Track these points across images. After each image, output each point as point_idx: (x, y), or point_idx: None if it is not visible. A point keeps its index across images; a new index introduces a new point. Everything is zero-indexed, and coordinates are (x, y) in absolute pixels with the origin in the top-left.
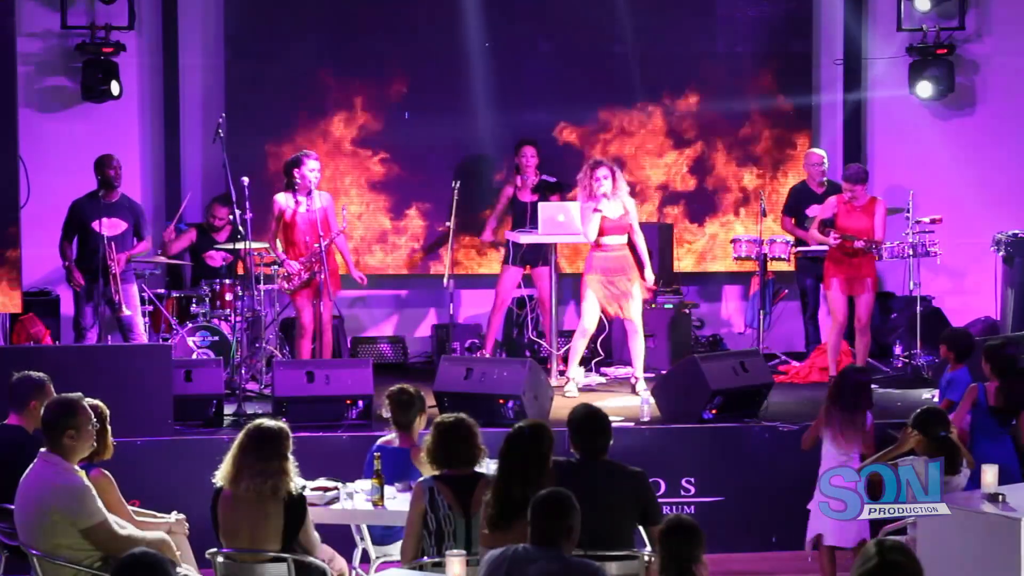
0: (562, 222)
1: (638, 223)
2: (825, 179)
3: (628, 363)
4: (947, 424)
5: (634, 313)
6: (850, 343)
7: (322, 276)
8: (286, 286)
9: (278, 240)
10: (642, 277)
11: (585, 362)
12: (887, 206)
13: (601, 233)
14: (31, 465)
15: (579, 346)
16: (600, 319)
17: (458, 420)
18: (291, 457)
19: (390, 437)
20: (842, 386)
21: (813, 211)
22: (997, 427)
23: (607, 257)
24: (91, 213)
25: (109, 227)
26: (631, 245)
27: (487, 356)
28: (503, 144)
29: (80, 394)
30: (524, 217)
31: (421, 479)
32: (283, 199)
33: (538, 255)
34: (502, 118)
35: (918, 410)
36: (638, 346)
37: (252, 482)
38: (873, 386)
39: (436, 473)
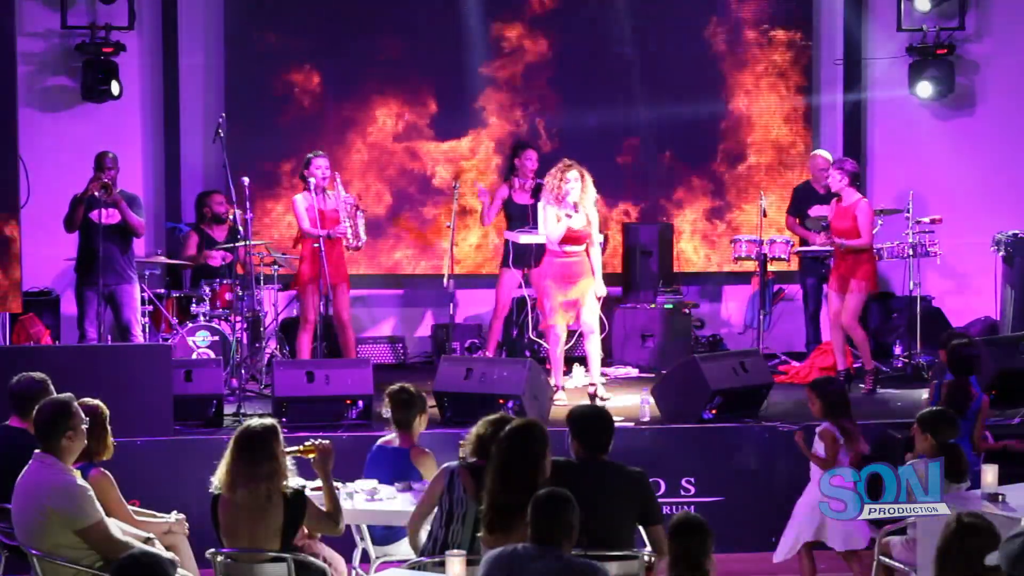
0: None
1: (598, 232)
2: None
3: (628, 363)
4: (956, 429)
5: (588, 316)
6: (850, 342)
7: (326, 270)
8: (355, 244)
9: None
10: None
11: (584, 362)
12: (873, 208)
13: (564, 241)
14: (27, 466)
15: (558, 354)
16: (602, 320)
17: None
18: (284, 455)
19: (390, 437)
20: (824, 400)
21: (815, 211)
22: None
23: (564, 263)
24: (90, 204)
25: (107, 217)
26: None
27: (488, 356)
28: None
29: (71, 394)
30: (521, 219)
31: (448, 463)
32: (302, 200)
33: (531, 257)
34: (500, 117)
35: (927, 411)
36: (594, 348)
37: (246, 487)
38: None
39: (468, 460)
